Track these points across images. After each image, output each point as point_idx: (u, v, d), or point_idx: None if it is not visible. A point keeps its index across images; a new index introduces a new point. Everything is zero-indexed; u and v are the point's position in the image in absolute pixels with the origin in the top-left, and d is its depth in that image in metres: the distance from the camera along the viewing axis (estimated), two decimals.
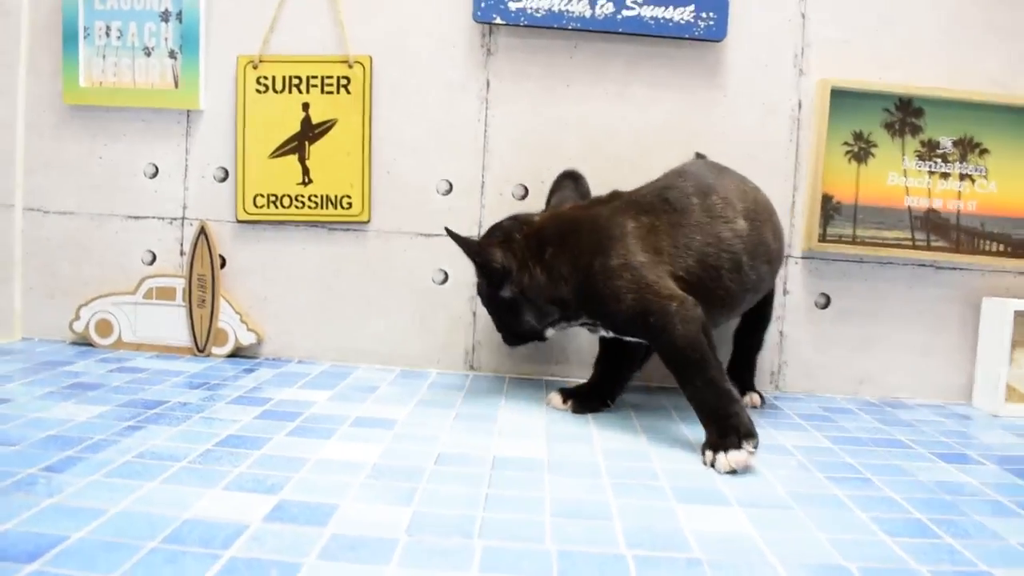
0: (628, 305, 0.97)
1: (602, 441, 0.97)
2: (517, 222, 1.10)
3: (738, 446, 0.87)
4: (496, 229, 1.11)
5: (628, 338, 1.04)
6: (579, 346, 1.30)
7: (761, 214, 1.07)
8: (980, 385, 1.31)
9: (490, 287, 1.08)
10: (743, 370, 1.22)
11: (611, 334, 1.06)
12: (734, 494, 0.80)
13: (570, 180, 1.19)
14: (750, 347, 1.23)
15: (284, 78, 1.30)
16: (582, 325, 1.09)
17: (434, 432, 0.96)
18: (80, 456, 0.79)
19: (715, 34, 1.27)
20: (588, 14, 1.26)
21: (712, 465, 0.88)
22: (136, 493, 0.71)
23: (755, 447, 0.88)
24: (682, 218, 1.02)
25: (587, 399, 1.11)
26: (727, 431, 0.89)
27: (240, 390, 1.09)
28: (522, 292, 1.06)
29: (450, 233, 1.07)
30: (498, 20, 1.26)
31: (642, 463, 0.89)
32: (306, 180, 1.31)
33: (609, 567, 0.62)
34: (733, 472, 0.87)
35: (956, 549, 0.70)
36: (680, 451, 0.95)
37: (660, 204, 1.04)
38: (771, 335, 1.28)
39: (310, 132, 1.31)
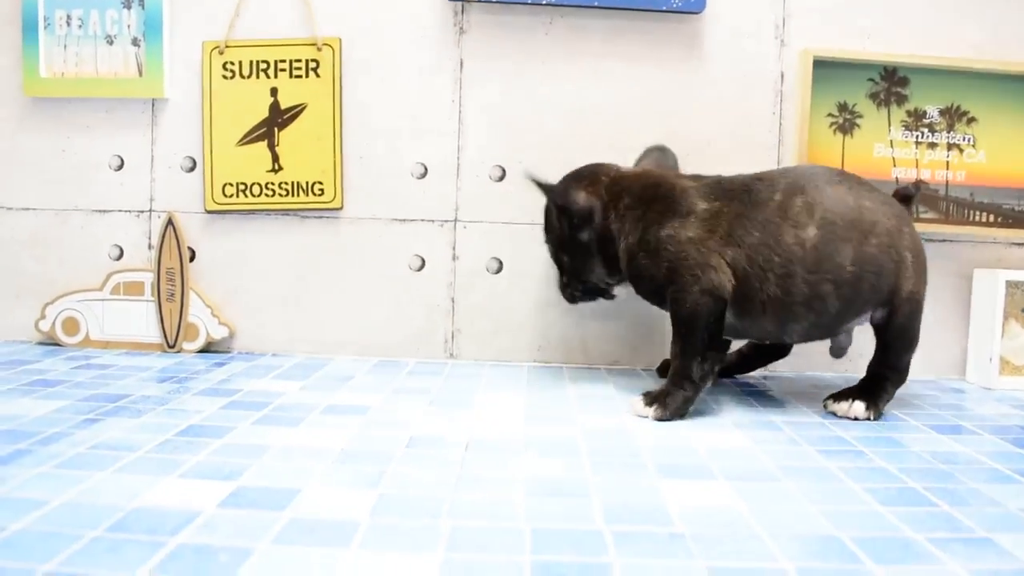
0: (661, 274, 0.99)
1: (583, 421, 0.93)
2: (602, 168, 1.09)
3: (650, 404, 0.95)
4: (580, 172, 1.10)
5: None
6: (562, 332, 1.26)
7: (847, 230, 0.96)
8: (973, 358, 1.27)
9: (572, 229, 1.07)
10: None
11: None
12: (721, 468, 0.76)
13: (658, 151, 1.17)
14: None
15: (251, 63, 1.26)
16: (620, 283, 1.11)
17: (408, 417, 0.92)
18: (29, 449, 0.75)
19: (694, 6, 1.23)
20: None
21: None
22: (84, 484, 0.66)
23: (657, 418, 0.95)
24: (752, 211, 0.98)
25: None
26: (658, 398, 0.96)
27: (208, 383, 1.05)
28: (600, 237, 1.06)
29: (531, 177, 1.07)
30: None
31: (624, 441, 0.85)
32: (276, 167, 1.27)
33: (586, 543, 0.58)
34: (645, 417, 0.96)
35: (954, 516, 0.66)
36: (664, 428, 0.90)
37: (740, 192, 1.00)
38: None
39: (279, 118, 1.27)
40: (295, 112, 1.28)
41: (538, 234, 1.22)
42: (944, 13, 1.28)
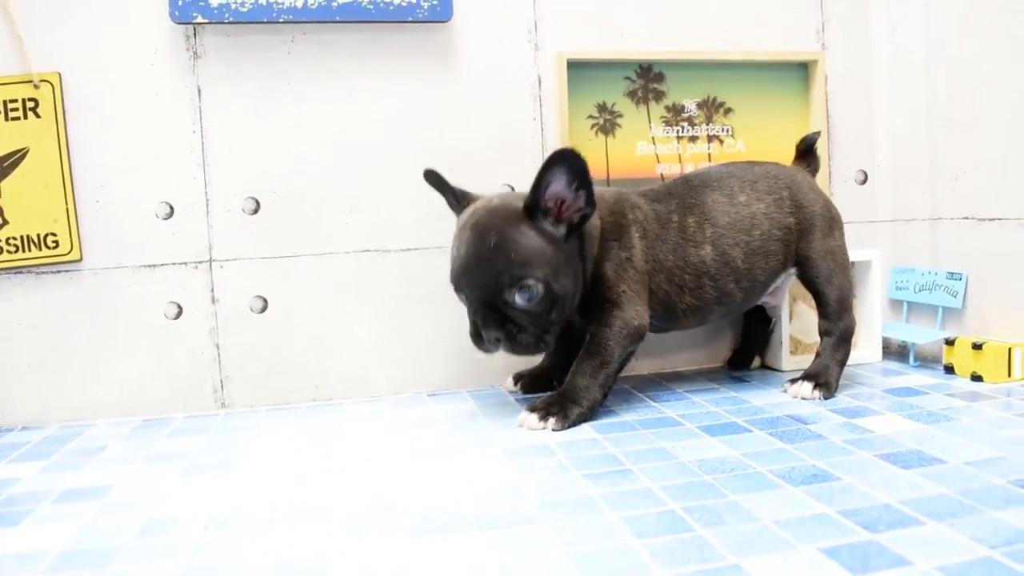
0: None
1: (348, 470, 0.86)
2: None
3: (545, 418, 0.99)
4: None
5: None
6: (339, 366, 1.19)
7: (735, 235, 1.13)
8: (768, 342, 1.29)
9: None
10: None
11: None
12: (478, 515, 0.72)
13: None
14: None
15: None
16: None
17: (151, 495, 0.83)
18: None
19: (440, 14, 1.18)
20: (300, 4, 1.15)
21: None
22: None
23: (554, 429, 0.98)
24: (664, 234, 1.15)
25: (538, 380, 1.19)
26: (551, 412, 1.00)
27: None
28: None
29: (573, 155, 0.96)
30: (200, 19, 1.13)
31: (387, 495, 0.80)
32: (0, 222, 1.13)
33: None
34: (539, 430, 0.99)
35: (706, 541, 0.64)
36: (432, 467, 0.86)
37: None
38: None
39: None
40: (15, 158, 1.14)
41: (302, 266, 1.15)
42: (696, 7, 1.29)
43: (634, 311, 1.03)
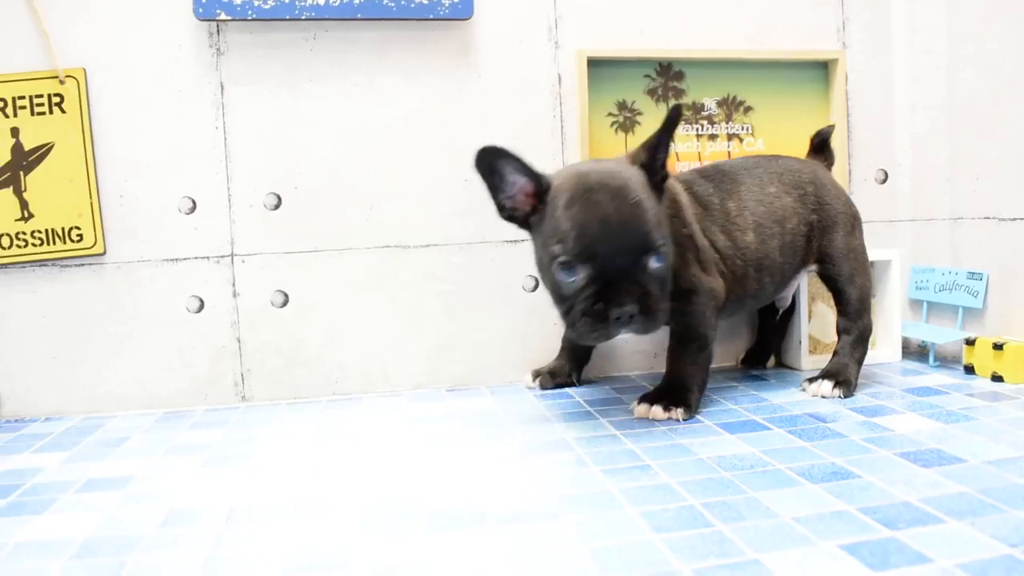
0: None
1: (367, 465, 0.87)
2: None
3: (668, 408, 1.01)
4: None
5: None
6: (359, 361, 1.20)
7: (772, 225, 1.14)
8: (786, 341, 1.29)
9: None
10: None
11: None
12: (496, 512, 0.72)
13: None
14: None
15: None
16: None
17: (173, 486, 0.84)
18: None
19: (461, 12, 1.19)
20: (322, 1, 1.16)
21: None
22: None
23: (683, 419, 0.99)
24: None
25: (556, 375, 1.20)
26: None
27: None
28: None
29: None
30: (223, 16, 1.14)
31: (402, 488, 0.81)
32: (26, 215, 1.15)
33: None
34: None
35: (725, 536, 0.64)
36: (448, 464, 0.87)
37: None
38: None
39: (24, 160, 1.15)
40: (41, 152, 1.16)
41: (323, 261, 1.16)
42: (715, 6, 1.29)
43: (709, 288, 1.02)
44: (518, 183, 0.94)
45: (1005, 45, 1.17)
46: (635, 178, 0.91)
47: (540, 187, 0.93)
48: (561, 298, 0.91)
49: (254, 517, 0.75)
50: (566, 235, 0.88)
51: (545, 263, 0.92)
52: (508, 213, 0.96)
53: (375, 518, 0.72)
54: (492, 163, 0.93)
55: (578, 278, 0.88)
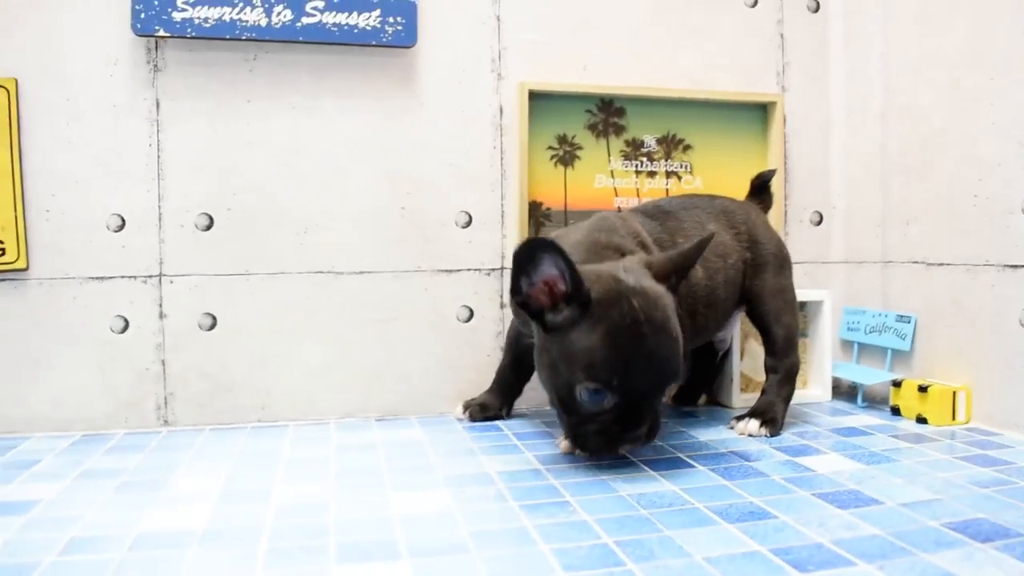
0: None
1: (280, 494, 0.85)
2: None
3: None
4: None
5: None
6: (286, 387, 1.18)
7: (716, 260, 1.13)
8: (718, 379, 1.29)
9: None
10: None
11: None
12: (408, 543, 0.71)
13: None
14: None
15: None
16: None
17: (79, 512, 0.81)
18: None
19: (404, 40, 1.18)
20: (264, 23, 1.15)
21: None
22: None
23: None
24: None
25: (487, 409, 1.18)
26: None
27: None
28: None
29: None
30: (161, 32, 1.12)
31: (316, 516, 0.79)
32: None
33: None
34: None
35: None
36: (365, 495, 0.85)
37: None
38: None
39: None
40: None
41: (254, 285, 1.14)
42: (658, 45, 1.30)
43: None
44: (548, 276, 0.87)
45: (936, 95, 1.20)
46: (671, 305, 0.89)
47: (580, 296, 0.86)
48: (572, 411, 0.88)
49: (159, 544, 0.72)
50: (605, 365, 0.84)
51: (563, 375, 0.87)
52: (522, 299, 0.89)
53: (282, 548, 0.71)
54: (538, 254, 0.85)
55: (604, 403, 0.85)
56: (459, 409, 1.18)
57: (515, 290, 0.89)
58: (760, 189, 1.22)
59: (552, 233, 1.09)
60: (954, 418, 1.13)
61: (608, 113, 1.28)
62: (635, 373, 0.84)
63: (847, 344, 1.38)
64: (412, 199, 1.21)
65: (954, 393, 1.12)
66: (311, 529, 0.75)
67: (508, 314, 1.24)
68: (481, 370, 1.24)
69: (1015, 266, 1.07)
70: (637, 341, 0.84)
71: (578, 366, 0.85)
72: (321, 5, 1.17)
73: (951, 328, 1.18)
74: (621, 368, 0.84)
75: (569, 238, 1.01)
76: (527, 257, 0.86)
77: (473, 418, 1.16)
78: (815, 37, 1.37)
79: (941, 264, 1.20)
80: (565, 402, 0.89)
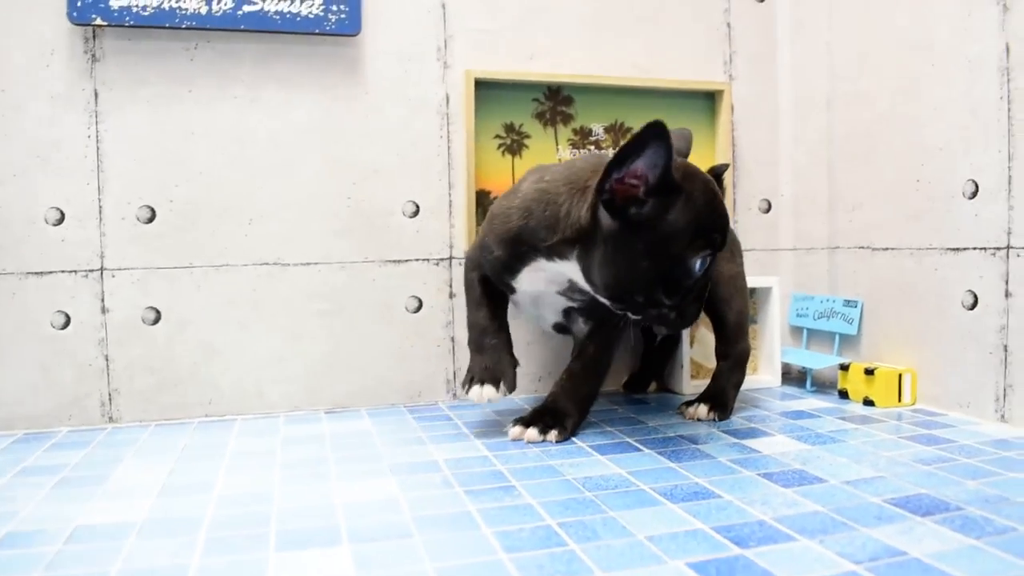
0: None
1: (223, 486, 0.84)
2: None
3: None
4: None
5: None
6: (235, 380, 1.16)
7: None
8: (669, 366, 1.30)
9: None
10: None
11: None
12: (349, 530, 0.70)
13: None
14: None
15: None
16: None
17: (16, 507, 0.79)
18: None
19: (348, 28, 1.17)
20: (204, 11, 1.13)
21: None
22: None
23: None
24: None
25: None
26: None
27: None
28: None
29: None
30: (99, 21, 1.10)
31: (257, 507, 0.78)
32: None
33: None
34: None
35: (576, 556, 0.63)
36: (310, 485, 0.84)
37: None
38: None
39: None
40: None
41: (198, 278, 1.12)
42: (605, 34, 1.30)
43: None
44: (638, 170, 0.85)
45: (880, 82, 1.21)
46: None
47: (669, 185, 0.86)
48: (672, 291, 0.89)
49: (97, 536, 0.71)
50: (713, 229, 0.90)
51: (663, 260, 0.88)
52: (607, 196, 0.87)
53: (222, 537, 0.70)
54: (649, 142, 0.82)
55: (696, 266, 0.90)
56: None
57: (601, 188, 0.87)
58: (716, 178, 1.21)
59: (537, 170, 1.04)
60: (900, 400, 1.14)
61: (556, 102, 1.28)
62: (723, 232, 0.91)
63: (796, 330, 1.39)
64: (358, 189, 1.19)
65: (900, 375, 1.14)
66: (252, 518, 0.74)
67: (458, 304, 1.23)
68: (430, 360, 1.23)
69: (957, 249, 1.09)
70: (721, 204, 0.92)
71: (685, 240, 0.87)
72: None
73: (897, 312, 1.19)
74: (721, 228, 0.91)
75: (563, 173, 0.97)
76: (638, 143, 0.82)
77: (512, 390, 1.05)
78: (762, 25, 1.38)
79: (886, 249, 1.21)
80: (667, 285, 0.89)
